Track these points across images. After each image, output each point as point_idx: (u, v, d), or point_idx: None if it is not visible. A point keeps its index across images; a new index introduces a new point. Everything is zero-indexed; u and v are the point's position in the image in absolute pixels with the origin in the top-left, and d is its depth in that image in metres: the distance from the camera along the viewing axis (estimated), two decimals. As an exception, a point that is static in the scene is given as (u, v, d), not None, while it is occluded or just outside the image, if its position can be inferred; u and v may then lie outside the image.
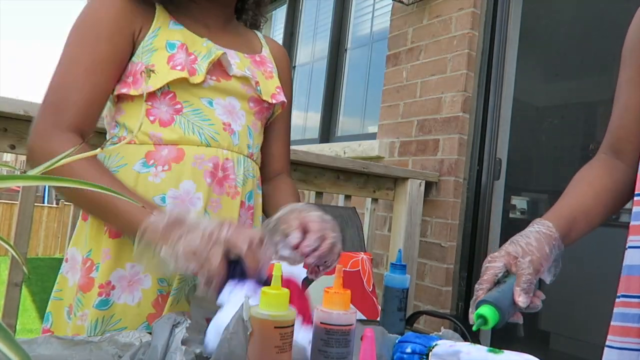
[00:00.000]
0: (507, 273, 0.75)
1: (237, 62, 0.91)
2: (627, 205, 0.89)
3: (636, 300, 0.77)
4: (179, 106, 0.85)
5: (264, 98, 0.94)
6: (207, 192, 0.84)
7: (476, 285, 0.75)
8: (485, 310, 0.69)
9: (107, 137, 0.89)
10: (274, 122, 1.03)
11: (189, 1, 0.91)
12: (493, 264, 0.75)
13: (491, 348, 0.59)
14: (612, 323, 0.81)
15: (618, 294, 0.81)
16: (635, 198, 0.81)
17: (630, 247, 0.80)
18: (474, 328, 0.70)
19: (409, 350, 0.62)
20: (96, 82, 0.82)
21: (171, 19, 0.88)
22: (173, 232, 0.68)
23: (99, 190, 0.33)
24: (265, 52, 1.02)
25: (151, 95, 0.84)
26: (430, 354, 0.61)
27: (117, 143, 0.85)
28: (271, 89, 0.96)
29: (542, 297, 0.75)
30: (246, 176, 0.91)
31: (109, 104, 0.89)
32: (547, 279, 0.79)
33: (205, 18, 0.93)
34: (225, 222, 0.70)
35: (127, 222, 0.75)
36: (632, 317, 0.77)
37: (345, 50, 3.53)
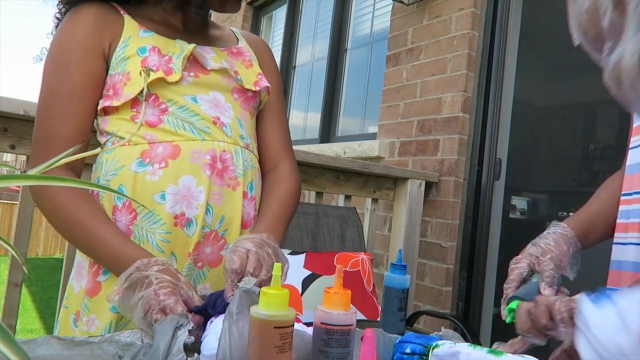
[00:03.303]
0: (532, 272, 0.83)
1: (213, 56, 0.91)
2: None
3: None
4: (163, 106, 0.86)
5: (247, 87, 0.94)
6: (208, 185, 0.85)
7: (505, 285, 0.82)
8: (516, 304, 0.73)
9: (101, 146, 0.90)
10: (264, 111, 1.02)
11: (156, 8, 0.92)
12: (518, 265, 0.83)
13: (491, 349, 0.59)
14: None
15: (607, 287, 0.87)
16: (622, 198, 0.85)
17: (615, 243, 0.86)
18: (507, 321, 0.76)
19: (408, 350, 0.62)
20: (77, 110, 0.83)
21: (140, 27, 0.89)
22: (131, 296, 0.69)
23: (87, 229, 0.33)
24: (242, 43, 1.02)
25: (134, 101, 0.85)
26: (430, 354, 0.61)
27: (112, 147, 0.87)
28: (252, 77, 0.96)
29: (566, 292, 0.81)
30: (246, 167, 0.91)
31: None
32: (570, 275, 0.86)
33: (177, 22, 0.94)
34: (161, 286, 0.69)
35: (112, 264, 0.78)
36: None
37: (345, 50, 3.52)
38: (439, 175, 2.37)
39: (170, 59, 0.86)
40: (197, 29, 0.96)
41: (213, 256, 0.87)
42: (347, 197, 2.22)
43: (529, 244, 0.87)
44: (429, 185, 2.37)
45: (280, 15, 4.40)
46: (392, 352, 0.65)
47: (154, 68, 0.83)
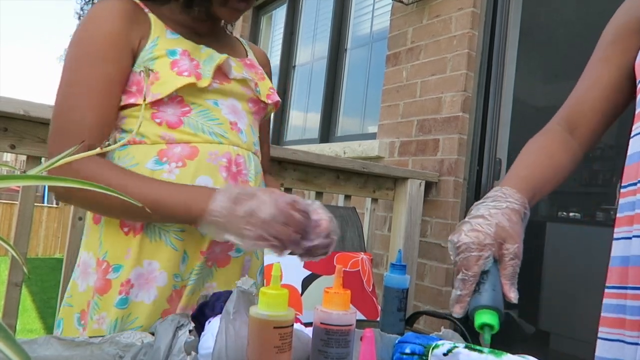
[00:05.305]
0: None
1: (234, 65, 0.94)
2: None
3: (615, 290, 0.77)
4: (186, 108, 0.87)
5: (262, 99, 0.97)
6: (223, 186, 0.86)
7: (460, 283, 0.67)
8: (488, 317, 0.64)
9: (112, 141, 0.90)
10: (260, 123, 1.05)
11: (172, 8, 0.93)
12: (481, 253, 0.66)
13: (491, 349, 0.59)
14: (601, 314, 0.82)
15: (606, 285, 0.81)
16: (622, 190, 0.79)
17: (616, 238, 0.80)
18: (486, 341, 0.65)
19: (408, 350, 0.62)
20: (104, 103, 0.83)
21: (167, 28, 0.89)
22: (237, 208, 0.72)
23: (104, 191, 0.33)
24: (251, 55, 1.05)
25: (157, 100, 0.85)
26: (430, 354, 0.61)
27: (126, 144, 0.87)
28: (265, 89, 0.99)
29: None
30: (256, 171, 0.94)
31: None
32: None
33: (198, 27, 0.95)
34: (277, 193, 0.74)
35: (184, 212, 0.77)
36: (610, 308, 0.78)
37: (345, 50, 3.52)
38: (438, 175, 2.37)
39: (198, 64, 0.87)
40: (211, 34, 0.98)
41: (222, 255, 0.88)
42: (347, 197, 2.22)
43: (481, 216, 0.69)
44: (428, 185, 2.37)
45: (280, 15, 4.40)
46: (392, 352, 0.65)
47: (185, 73, 0.84)
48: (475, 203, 0.74)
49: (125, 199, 0.35)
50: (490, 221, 0.68)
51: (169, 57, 0.86)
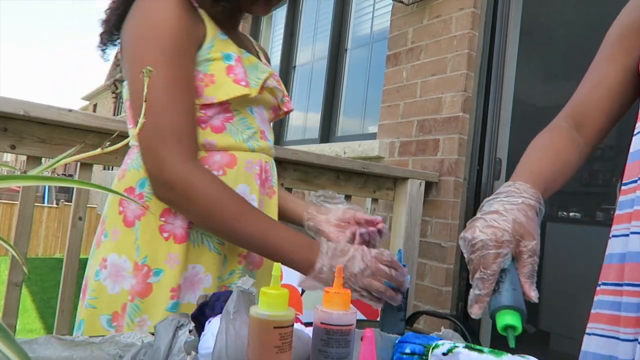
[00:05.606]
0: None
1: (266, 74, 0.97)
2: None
3: (611, 287, 0.77)
4: (229, 114, 0.89)
5: (282, 107, 1.01)
6: (257, 193, 0.90)
7: (479, 282, 0.64)
8: (511, 318, 0.62)
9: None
10: None
11: (212, 5, 0.92)
12: (499, 251, 0.63)
13: (492, 349, 0.59)
14: (591, 311, 0.81)
15: (599, 282, 0.81)
16: (623, 187, 0.79)
17: (613, 235, 0.79)
18: (510, 343, 0.61)
19: (408, 350, 0.62)
20: (190, 101, 0.83)
21: (217, 29, 0.89)
22: (334, 264, 0.77)
23: (117, 194, 0.33)
24: (262, 57, 1.06)
25: (208, 104, 0.86)
26: (430, 354, 0.61)
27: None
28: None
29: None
30: (276, 176, 0.99)
31: None
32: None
33: (234, 26, 0.97)
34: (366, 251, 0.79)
35: (288, 261, 0.80)
36: (604, 304, 0.78)
37: (345, 50, 3.52)
38: (439, 175, 2.37)
39: (245, 72, 0.88)
40: (236, 32, 0.99)
41: (258, 257, 0.93)
42: (347, 197, 2.22)
43: (497, 213, 0.65)
44: (428, 185, 2.37)
45: (280, 15, 4.40)
46: (392, 352, 0.65)
47: (242, 82, 0.86)
48: (487, 199, 0.71)
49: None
50: (506, 217, 0.65)
51: (224, 62, 0.86)
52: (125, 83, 0.90)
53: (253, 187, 0.90)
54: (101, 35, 0.95)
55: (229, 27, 0.94)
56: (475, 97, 2.36)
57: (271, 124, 1.02)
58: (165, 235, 0.84)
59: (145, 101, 0.79)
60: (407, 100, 2.62)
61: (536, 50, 2.47)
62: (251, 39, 1.08)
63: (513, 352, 0.58)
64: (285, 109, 1.01)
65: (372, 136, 2.93)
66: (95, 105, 25.86)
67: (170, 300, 0.83)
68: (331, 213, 0.97)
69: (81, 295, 0.90)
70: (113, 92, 0.96)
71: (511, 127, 2.35)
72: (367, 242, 0.94)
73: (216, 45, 0.87)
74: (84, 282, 0.90)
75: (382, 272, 0.77)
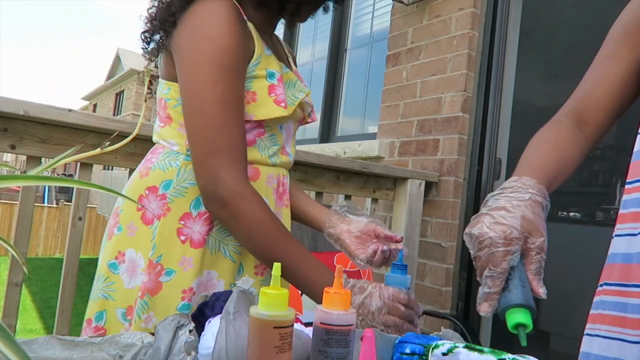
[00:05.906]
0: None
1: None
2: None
3: (615, 288, 0.76)
4: (262, 130, 0.90)
5: (307, 120, 1.02)
6: (274, 206, 0.93)
7: (489, 280, 0.63)
8: (522, 316, 0.61)
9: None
10: None
11: (255, 10, 0.92)
12: (508, 248, 0.62)
13: (492, 350, 0.59)
14: (591, 312, 0.80)
15: (600, 282, 0.80)
16: (627, 186, 0.78)
17: (616, 235, 0.78)
18: (522, 342, 0.61)
19: (408, 350, 0.62)
20: (243, 119, 0.85)
21: (263, 44, 0.90)
22: (353, 300, 0.79)
23: (114, 193, 0.33)
24: (290, 61, 1.06)
25: (246, 120, 0.87)
26: (430, 354, 0.61)
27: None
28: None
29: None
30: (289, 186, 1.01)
31: None
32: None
33: (270, 33, 0.98)
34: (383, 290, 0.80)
35: (312, 291, 0.81)
36: (608, 305, 0.77)
37: (345, 50, 3.52)
38: (438, 175, 2.37)
39: (284, 91, 0.90)
40: (275, 38, 1.00)
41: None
42: (347, 197, 2.22)
43: (502, 208, 0.64)
44: (428, 185, 2.37)
45: (280, 15, 4.40)
46: (392, 352, 0.65)
47: (282, 104, 0.87)
48: (491, 194, 0.70)
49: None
50: (514, 214, 0.64)
51: (267, 80, 0.87)
52: (160, 80, 0.91)
53: (270, 200, 0.93)
54: (144, 33, 0.92)
55: (268, 32, 0.96)
56: (475, 97, 2.36)
57: (295, 135, 1.03)
58: (182, 238, 0.86)
59: (200, 116, 0.80)
60: (407, 100, 2.62)
61: (536, 50, 2.47)
62: (282, 41, 1.08)
63: (514, 351, 0.58)
64: (310, 121, 1.03)
65: (372, 136, 2.93)
66: (95, 105, 25.87)
67: (182, 301, 0.84)
68: (353, 224, 0.97)
69: (94, 283, 0.90)
70: (148, 88, 0.96)
71: (511, 127, 2.35)
72: (387, 259, 0.95)
73: (262, 62, 0.88)
74: (97, 270, 0.91)
75: (398, 311, 0.79)
